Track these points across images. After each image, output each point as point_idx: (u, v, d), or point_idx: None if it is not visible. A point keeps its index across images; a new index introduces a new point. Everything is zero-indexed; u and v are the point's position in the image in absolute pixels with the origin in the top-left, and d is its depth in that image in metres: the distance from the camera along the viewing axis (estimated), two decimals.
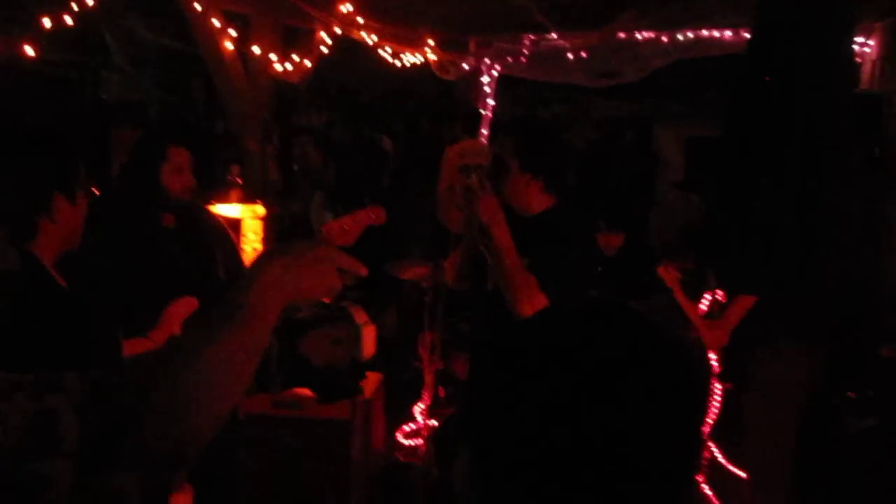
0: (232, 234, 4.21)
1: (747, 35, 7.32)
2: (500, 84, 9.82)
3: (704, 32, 7.62)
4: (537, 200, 3.28)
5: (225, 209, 4.82)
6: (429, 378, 5.00)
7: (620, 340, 1.05)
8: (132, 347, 3.24)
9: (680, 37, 7.72)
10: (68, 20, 4.43)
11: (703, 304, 5.07)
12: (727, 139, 3.24)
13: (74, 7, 4.41)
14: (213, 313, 1.32)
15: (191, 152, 3.72)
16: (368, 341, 4.45)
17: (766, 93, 3.17)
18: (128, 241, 3.49)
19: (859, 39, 7.38)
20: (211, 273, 3.84)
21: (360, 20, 6.16)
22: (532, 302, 3.05)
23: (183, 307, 3.33)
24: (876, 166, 6.47)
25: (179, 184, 3.66)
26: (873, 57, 7.27)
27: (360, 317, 4.35)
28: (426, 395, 4.98)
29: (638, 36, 7.66)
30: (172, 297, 3.35)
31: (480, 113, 9.00)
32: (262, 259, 1.39)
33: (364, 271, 1.52)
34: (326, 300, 1.50)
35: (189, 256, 3.69)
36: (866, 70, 7.43)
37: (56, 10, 4.41)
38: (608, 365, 1.01)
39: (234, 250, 4.15)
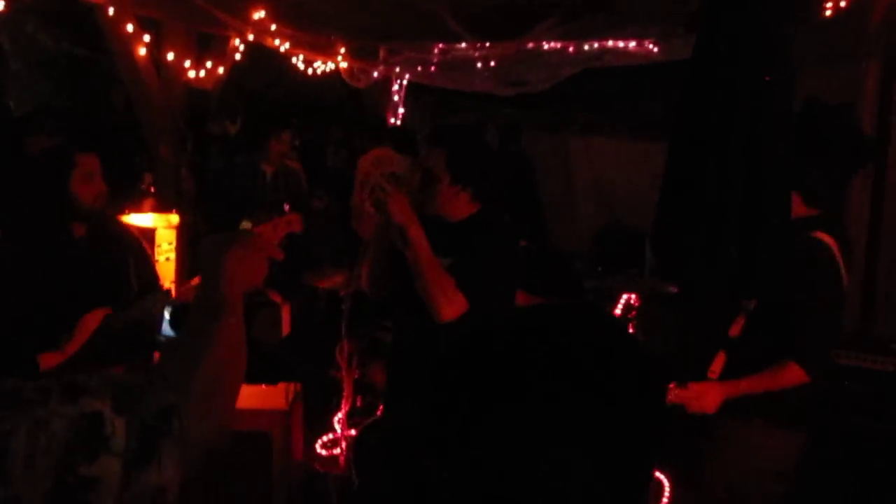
0: (144, 243, 4.13)
1: (651, 46, 7.62)
2: (410, 92, 9.87)
3: (610, 43, 7.79)
4: (463, 209, 3.32)
5: (138, 218, 4.73)
6: (347, 387, 4.99)
7: (582, 341, 1.06)
8: (46, 361, 3.17)
9: (586, 47, 7.87)
10: None
11: (618, 308, 5.22)
12: (673, 144, 3.31)
13: None
14: (197, 312, 1.43)
15: (101, 159, 3.63)
16: (286, 320, 4.49)
17: (711, 99, 3.22)
18: (38, 251, 3.40)
19: None
20: (123, 283, 3.76)
21: (272, 27, 6.12)
22: (451, 303, 3.08)
23: (96, 318, 3.27)
24: None
25: (90, 191, 3.57)
26: None
27: (277, 297, 4.40)
28: (345, 404, 4.97)
29: (546, 46, 7.78)
30: (84, 308, 3.28)
31: (388, 122, 9.03)
32: (215, 252, 1.47)
33: (281, 256, 1.64)
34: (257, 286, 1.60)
35: (100, 266, 3.61)
36: None
37: None
38: (569, 365, 1.02)
39: (146, 259, 4.07)
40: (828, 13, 5.16)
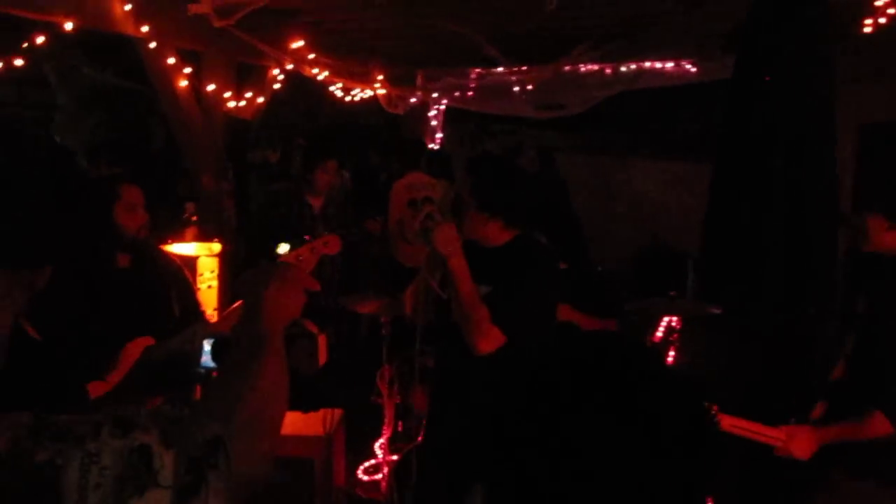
0: (186, 272, 4.19)
1: (689, 66, 7.60)
2: (448, 116, 9.91)
3: (647, 64, 7.78)
4: (498, 236, 3.31)
5: (180, 248, 4.79)
6: (388, 412, 4.98)
7: (621, 374, 1.06)
8: (91, 390, 3.20)
9: (623, 68, 7.87)
10: (18, 62, 4.39)
11: (660, 331, 5.17)
12: (717, 166, 3.30)
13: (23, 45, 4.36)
14: (239, 347, 1.47)
15: (143, 189, 3.71)
16: (323, 350, 4.48)
17: (749, 122, 3.20)
18: (83, 282, 3.45)
19: None
20: (166, 311, 3.81)
21: (311, 56, 6.20)
22: (487, 338, 3.08)
23: (139, 347, 3.31)
24: None
25: (133, 221, 3.64)
26: None
27: (313, 327, 4.39)
28: (386, 430, 4.96)
29: (582, 68, 7.79)
30: (128, 337, 3.32)
31: (423, 146, 9.07)
32: (254, 286, 1.51)
33: (317, 287, 1.69)
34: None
35: (143, 295, 3.66)
36: None
37: (4, 50, 4.36)
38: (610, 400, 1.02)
39: (188, 288, 4.13)
40: (867, 30, 5.12)
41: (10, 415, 1.21)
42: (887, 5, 4.76)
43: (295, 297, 1.58)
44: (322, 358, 2.57)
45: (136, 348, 3.28)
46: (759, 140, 3.01)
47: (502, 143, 10.77)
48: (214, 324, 3.63)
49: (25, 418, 1.20)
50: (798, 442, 2.92)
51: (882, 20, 4.89)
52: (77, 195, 3.57)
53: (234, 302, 5.06)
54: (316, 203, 5.80)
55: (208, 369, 2.76)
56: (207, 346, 2.73)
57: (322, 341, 2.63)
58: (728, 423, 2.93)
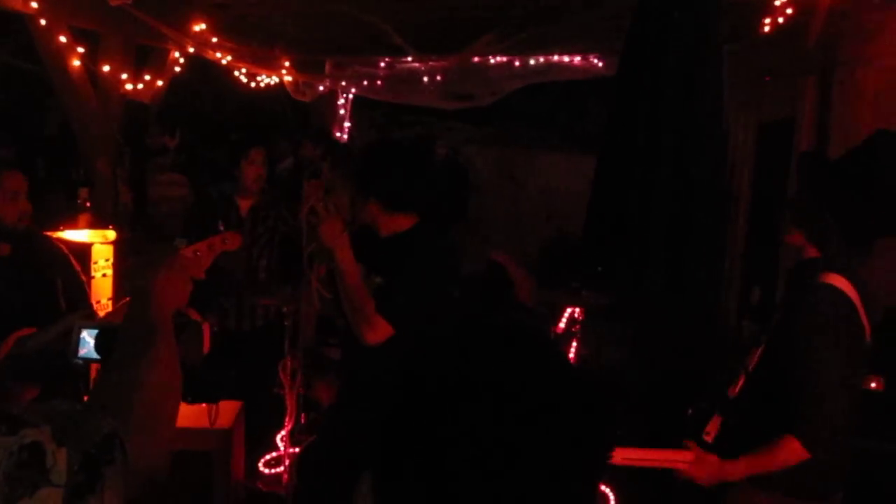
0: (73, 261, 4.05)
1: (595, 60, 7.69)
2: (357, 105, 9.84)
3: (555, 58, 7.85)
4: (388, 222, 3.30)
5: (73, 234, 4.62)
6: (291, 404, 4.91)
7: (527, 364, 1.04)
8: None
9: (532, 61, 7.92)
10: None
11: (563, 322, 5.22)
12: (602, 157, 3.33)
13: None
14: (129, 337, 1.45)
15: (26, 176, 3.58)
16: (206, 338, 4.37)
17: (635, 116, 3.24)
18: None
19: None
20: (50, 303, 3.68)
21: (213, 40, 6.05)
22: (373, 329, 3.08)
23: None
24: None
25: (14, 210, 3.52)
26: None
27: (196, 315, 4.26)
28: (288, 422, 4.89)
29: (491, 60, 7.82)
30: (10, 328, 3.20)
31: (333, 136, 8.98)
32: (142, 275, 1.48)
33: (202, 275, 1.74)
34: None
35: (25, 286, 3.54)
36: None
37: None
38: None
39: (75, 277, 3.99)
40: (766, 29, 5.24)
41: None
42: (784, 5, 4.88)
43: (182, 286, 1.58)
44: (206, 346, 2.53)
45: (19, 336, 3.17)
46: (644, 136, 3.05)
47: (409, 133, 10.76)
48: (103, 315, 3.51)
49: None
50: (704, 469, 2.78)
51: (780, 20, 5.01)
52: None
53: (127, 291, 4.93)
54: (244, 204, 5.13)
55: (87, 360, 2.67)
56: (87, 336, 2.64)
57: (206, 329, 2.57)
58: (621, 456, 2.65)
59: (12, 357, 3.02)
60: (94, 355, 2.61)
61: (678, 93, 2.99)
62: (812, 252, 2.91)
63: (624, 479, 4.09)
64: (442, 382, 1.02)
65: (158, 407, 1.36)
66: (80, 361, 2.65)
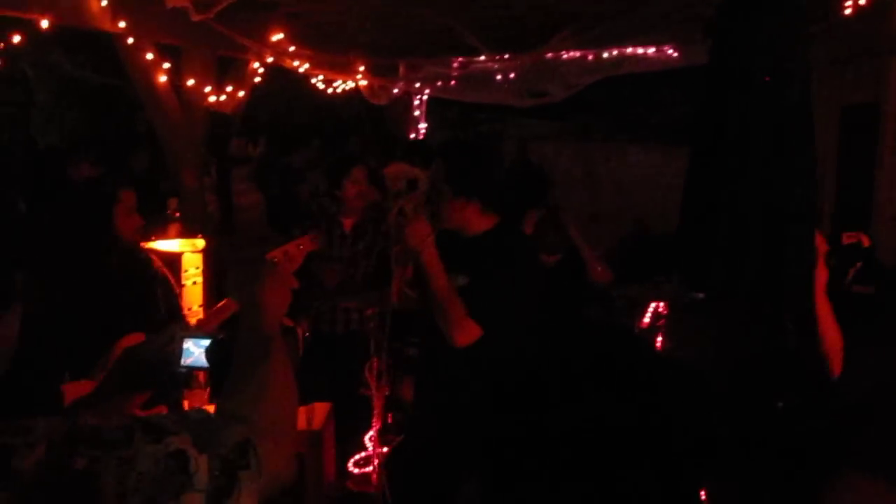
0: (167, 271, 4.20)
1: (670, 51, 7.59)
2: (432, 106, 9.88)
3: (628, 50, 7.77)
4: (477, 222, 3.31)
5: (164, 244, 4.75)
6: (377, 404, 4.97)
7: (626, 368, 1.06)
8: (81, 388, 3.19)
9: (605, 54, 7.85)
10: None
11: (647, 318, 5.18)
12: (694, 150, 3.29)
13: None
14: (246, 350, 1.53)
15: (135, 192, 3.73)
16: (301, 342, 4.46)
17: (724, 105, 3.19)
18: (78, 282, 3.47)
19: None
20: (154, 311, 3.82)
21: (291, 49, 6.16)
22: (463, 331, 3.09)
23: (131, 344, 3.31)
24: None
25: (130, 225, 3.67)
26: None
27: (289, 321, 4.38)
28: (375, 422, 4.96)
29: (564, 55, 7.77)
30: (119, 335, 3.32)
31: (408, 137, 9.04)
32: (246, 285, 1.56)
33: (297, 285, 1.76)
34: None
35: (133, 296, 3.67)
36: None
37: None
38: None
39: (170, 287, 4.17)
40: (847, 11, 5.11)
41: (42, 420, 1.23)
42: None
43: (285, 295, 1.66)
44: (300, 350, 2.62)
45: (128, 343, 3.29)
46: (735, 128, 3.00)
47: (485, 131, 10.78)
48: (196, 324, 3.62)
49: (59, 424, 1.22)
50: None
51: (862, 1, 4.89)
52: (79, 200, 3.62)
53: (220, 297, 5.06)
54: (348, 223, 5.43)
55: (191, 369, 2.77)
56: (192, 346, 2.73)
57: (300, 334, 2.66)
58: None
59: (119, 366, 3.13)
60: (203, 363, 2.71)
61: (767, 85, 2.94)
62: None
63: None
64: (553, 380, 1.04)
65: (282, 413, 1.44)
66: (184, 370, 2.76)
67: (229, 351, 1.59)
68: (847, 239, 3.59)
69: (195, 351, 2.77)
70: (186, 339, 2.75)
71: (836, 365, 2.96)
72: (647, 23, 6.22)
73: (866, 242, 3.53)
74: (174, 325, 3.23)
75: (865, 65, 5.48)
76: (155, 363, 2.85)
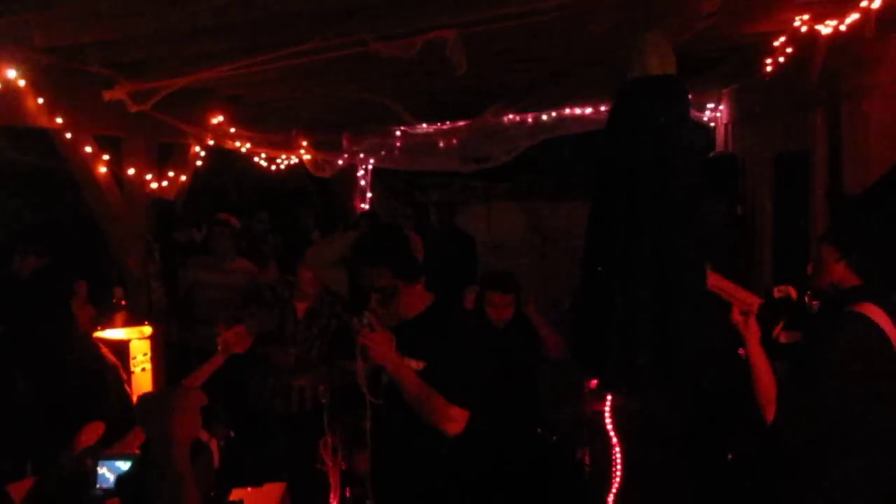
0: (115, 360, 4.22)
1: (605, 109, 7.79)
2: (377, 174, 9.99)
3: (566, 111, 7.97)
4: (417, 303, 3.37)
5: (112, 332, 4.75)
6: (334, 480, 4.96)
7: None
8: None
9: (544, 116, 8.05)
10: None
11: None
12: (593, 214, 3.47)
13: None
14: (156, 485, 1.52)
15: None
16: (216, 455, 4.49)
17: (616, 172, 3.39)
18: (41, 374, 3.50)
19: (710, 105, 7.90)
20: (105, 400, 3.83)
21: (231, 130, 6.23)
22: (451, 419, 3.14)
23: (93, 432, 3.34)
24: (738, 223, 6.86)
25: (85, 316, 3.70)
26: (724, 121, 7.77)
27: (205, 435, 4.39)
28: (334, 498, 4.93)
29: (504, 119, 7.95)
30: (80, 424, 3.35)
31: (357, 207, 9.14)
32: (157, 415, 1.58)
33: (206, 401, 1.77)
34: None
35: (90, 385, 3.70)
36: (720, 133, 7.93)
37: None
38: None
39: (119, 375, 4.24)
40: (768, 69, 5.33)
41: None
42: (784, 45, 4.96)
43: (196, 419, 1.68)
44: (216, 462, 2.67)
45: (90, 433, 3.31)
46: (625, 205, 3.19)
47: (431, 197, 10.88)
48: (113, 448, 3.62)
49: None
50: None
51: (781, 59, 5.10)
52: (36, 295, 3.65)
53: (170, 381, 5.05)
54: (301, 307, 5.54)
55: (107, 491, 2.83)
56: (104, 470, 2.82)
57: (214, 447, 2.72)
58: (713, 280, 3.29)
59: (38, 492, 3.13)
60: (110, 485, 2.78)
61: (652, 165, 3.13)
62: (852, 281, 3.19)
63: None
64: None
65: None
66: (100, 492, 2.82)
67: (141, 481, 1.63)
68: (777, 293, 3.76)
69: (110, 476, 2.85)
70: (101, 464, 2.83)
71: (770, 412, 3.12)
72: (578, 87, 6.40)
73: (794, 295, 3.69)
74: (86, 450, 3.27)
75: (793, 116, 5.68)
76: (72, 487, 2.89)
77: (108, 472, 2.94)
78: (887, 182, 3.88)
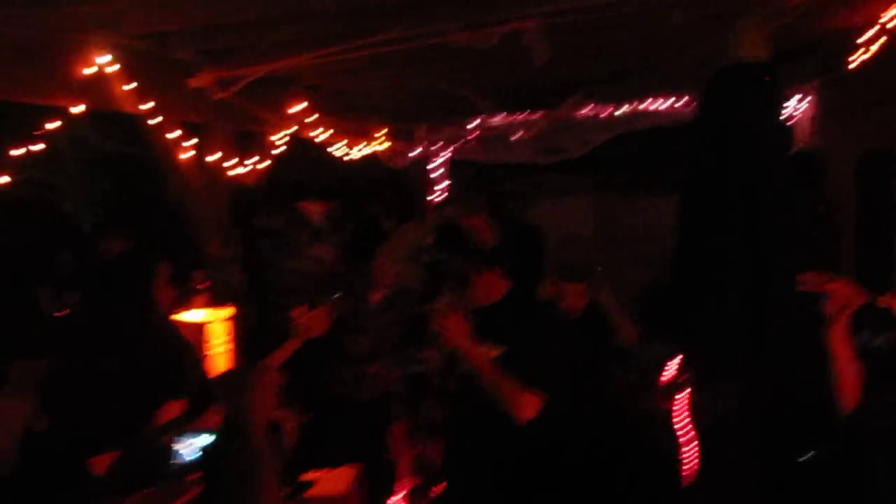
0: (191, 340, 4.33)
1: (681, 105, 7.68)
2: (451, 167, 9.99)
3: (641, 106, 7.87)
4: (495, 290, 3.39)
5: (191, 315, 4.87)
6: (404, 469, 5.01)
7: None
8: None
9: (618, 112, 7.97)
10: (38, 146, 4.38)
11: (667, 374, 5.19)
12: (683, 208, 3.43)
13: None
14: (234, 461, 1.56)
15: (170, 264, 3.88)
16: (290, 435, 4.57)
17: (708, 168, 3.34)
18: (121, 353, 3.60)
19: (792, 101, 7.73)
20: (184, 379, 3.92)
21: (311, 119, 6.31)
22: (525, 404, 3.15)
23: (173, 410, 3.44)
24: (821, 222, 6.72)
25: (167, 297, 3.80)
26: (807, 117, 7.59)
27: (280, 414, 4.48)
28: (401, 486, 4.98)
29: (579, 113, 7.89)
30: (160, 402, 3.45)
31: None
32: (234, 391, 1.63)
33: (281, 382, 1.80)
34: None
35: (167, 364, 3.79)
36: (801, 129, 7.76)
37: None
38: None
39: (195, 356, 4.34)
40: (854, 64, 5.20)
41: None
42: (870, 41, 4.84)
43: (271, 398, 1.72)
44: (291, 443, 2.71)
45: (170, 409, 3.41)
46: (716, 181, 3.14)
47: (507, 189, 10.85)
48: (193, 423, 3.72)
49: None
50: None
51: (865, 56, 4.98)
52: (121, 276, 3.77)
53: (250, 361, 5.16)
54: (376, 295, 5.73)
55: (184, 464, 2.89)
56: (180, 445, 2.88)
57: (288, 429, 2.77)
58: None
59: (121, 461, 3.22)
60: (189, 458, 2.84)
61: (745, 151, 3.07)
62: None
63: None
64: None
65: None
66: (178, 465, 2.89)
67: (222, 455, 1.66)
68: (882, 302, 3.61)
69: (186, 453, 2.91)
70: (179, 440, 2.89)
71: (851, 400, 3.02)
72: (655, 81, 6.33)
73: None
74: (169, 424, 3.36)
75: (879, 111, 5.54)
76: (152, 460, 2.97)
77: (186, 449, 3.01)
78: None
